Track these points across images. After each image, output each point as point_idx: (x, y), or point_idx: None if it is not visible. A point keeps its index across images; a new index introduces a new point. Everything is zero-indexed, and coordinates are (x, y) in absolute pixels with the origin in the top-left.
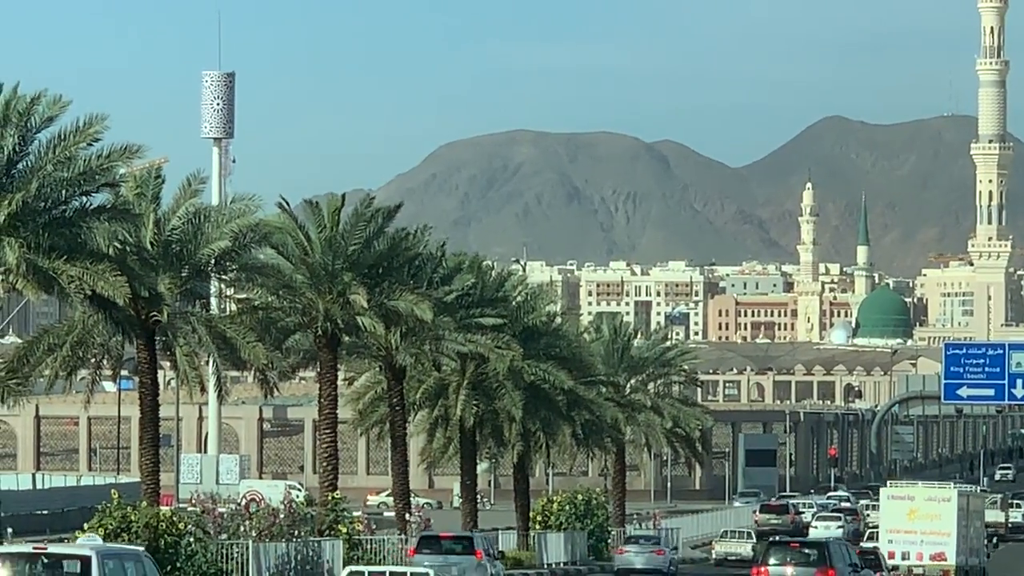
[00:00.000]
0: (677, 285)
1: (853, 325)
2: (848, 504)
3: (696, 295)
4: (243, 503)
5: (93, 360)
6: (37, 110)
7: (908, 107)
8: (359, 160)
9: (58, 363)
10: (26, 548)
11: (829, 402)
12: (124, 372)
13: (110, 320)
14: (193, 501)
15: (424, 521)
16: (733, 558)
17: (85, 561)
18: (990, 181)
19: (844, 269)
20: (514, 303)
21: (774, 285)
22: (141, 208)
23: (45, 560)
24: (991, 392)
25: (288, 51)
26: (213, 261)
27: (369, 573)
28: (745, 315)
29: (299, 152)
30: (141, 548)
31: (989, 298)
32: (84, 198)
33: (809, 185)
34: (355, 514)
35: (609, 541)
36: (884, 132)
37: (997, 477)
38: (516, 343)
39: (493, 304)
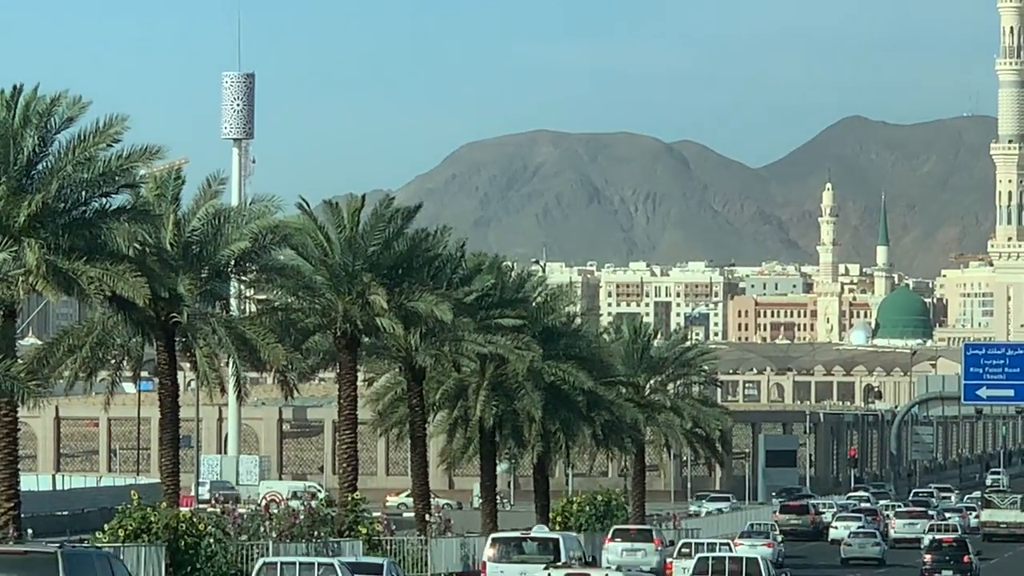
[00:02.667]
0: (697, 286)
1: (873, 326)
2: (868, 504)
3: (716, 296)
4: (263, 504)
5: (113, 361)
6: (57, 111)
7: (928, 107)
8: (379, 161)
9: (78, 364)
10: (514, 533)
11: (849, 403)
12: (144, 373)
13: (130, 321)
14: (213, 502)
15: (444, 521)
16: None
17: (555, 542)
18: (1010, 181)
19: (864, 269)
20: (534, 304)
21: (794, 286)
22: (161, 209)
23: (529, 541)
24: (1011, 392)
25: (308, 52)
26: (233, 262)
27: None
28: (765, 316)
29: (319, 153)
30: (573, 533)
31: (1009, 299)
32: (104, 199)
33: (829, 185)
34: (375, 515)
35: None
36: (904, 132)
37: (988, 482)
38: (536, 344)
39: (513, 305)
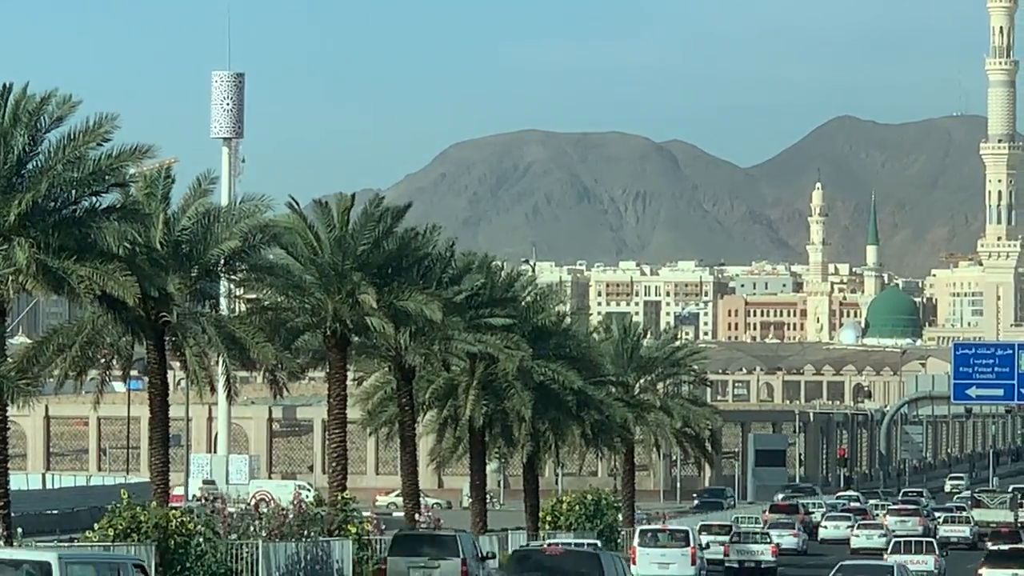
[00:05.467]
0: (687, 285)
1: (862, 325)
2: (857, 504)
3: (705, 295)
4: (253, 503)
5: (103, 360)
6: (47, 110)
7: (918, 107)
8: (369, 160)
9: (68, 363)
10: (654, 526)
11: (838, 402)
12: (134, 372)
13: (120, 320)
14: (202, 500)
15: (434, 521)
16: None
17: (684, 532)
18: (999, 181)
19: (853, 269)
20: (523, 303)
21: (783, 285)
22: (151, 208)
23: (665, 532)
24: (1000, 392)
25: (297, 51)
26: (223, 261)
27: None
28: (754, 315)
29: (309, 152)
30: (696, 525)
31: (998, 298)
32: (94, 198)
33: (819, 185)
34: (364, 514)
35: (619, 541)
36: (894, 132)
37: (947, 489)
38: (525, 343)
39: (502, 304)
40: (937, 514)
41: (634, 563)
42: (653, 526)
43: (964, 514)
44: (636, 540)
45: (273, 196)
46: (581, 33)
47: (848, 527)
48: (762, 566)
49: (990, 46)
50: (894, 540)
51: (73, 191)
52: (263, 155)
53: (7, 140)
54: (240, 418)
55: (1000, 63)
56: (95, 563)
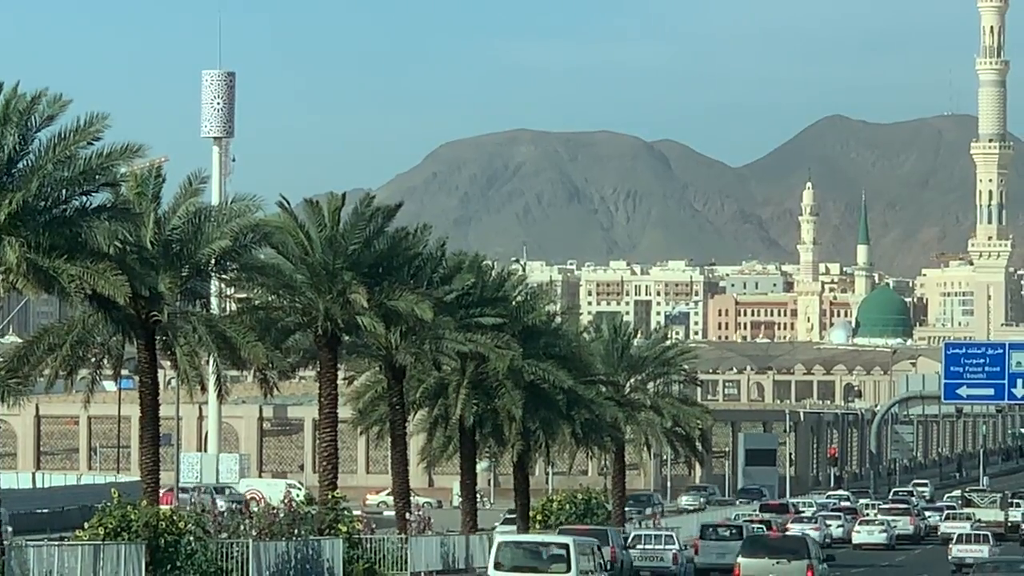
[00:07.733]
0: (677, 285)
1: (853, 325)
2: (848, 504)
3: (696, 295)
4: (243, 502)
5: (93, 359)
6: (37, 109)
7: (908, 106)
8: (359, 159)
9: (58, 362)
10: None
11: (829, 402)
12: (124, 371)
13: (110, 319)
14: (193, 499)
15: (424, 520)
16: None
17: (739, 529)
18: (990, 180)
19: (844, 269)
20: (514, 303)
21: (774, 285)
22: (141, 207)
23: (726, 529)
24: (991, 391)
25: (288, 50)
26: (213, 260)
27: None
28: (745, 315)
29: (299, 151)
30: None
31: (989, 298)
32: (84, 197)
33: (809, 184)
34: (355, 513)
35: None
36: (884, 131)
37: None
38: (516, 342)
39: (493, 304)
40: (928, 514)
41: (696, 554)
42: (714, 522)
43: (965, 511)
44: (698, 534)
45: (264, 196)
46: (572, 33)
47: (839, 526)
48: None
49: (981, 46)
50: (956, 533)
51: (63, 190)
52: (254, 154)
53: None
54: (230, 417)
55: (991, 63)
56: (584, 544)
